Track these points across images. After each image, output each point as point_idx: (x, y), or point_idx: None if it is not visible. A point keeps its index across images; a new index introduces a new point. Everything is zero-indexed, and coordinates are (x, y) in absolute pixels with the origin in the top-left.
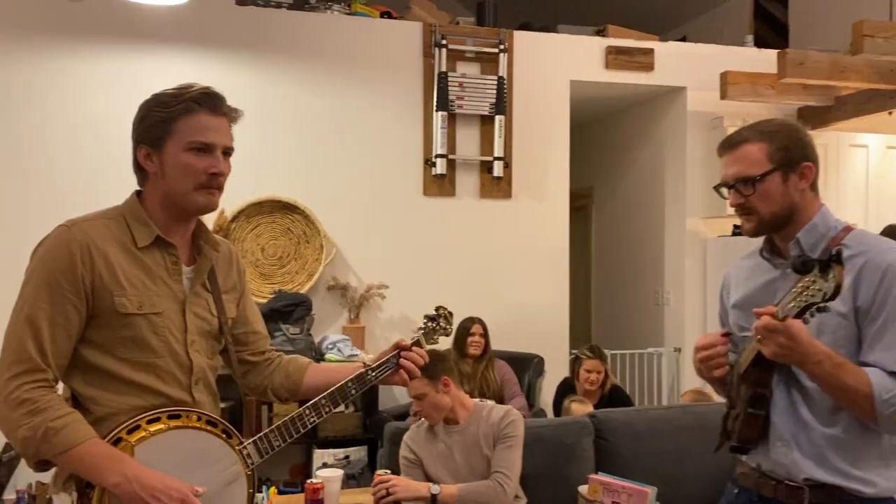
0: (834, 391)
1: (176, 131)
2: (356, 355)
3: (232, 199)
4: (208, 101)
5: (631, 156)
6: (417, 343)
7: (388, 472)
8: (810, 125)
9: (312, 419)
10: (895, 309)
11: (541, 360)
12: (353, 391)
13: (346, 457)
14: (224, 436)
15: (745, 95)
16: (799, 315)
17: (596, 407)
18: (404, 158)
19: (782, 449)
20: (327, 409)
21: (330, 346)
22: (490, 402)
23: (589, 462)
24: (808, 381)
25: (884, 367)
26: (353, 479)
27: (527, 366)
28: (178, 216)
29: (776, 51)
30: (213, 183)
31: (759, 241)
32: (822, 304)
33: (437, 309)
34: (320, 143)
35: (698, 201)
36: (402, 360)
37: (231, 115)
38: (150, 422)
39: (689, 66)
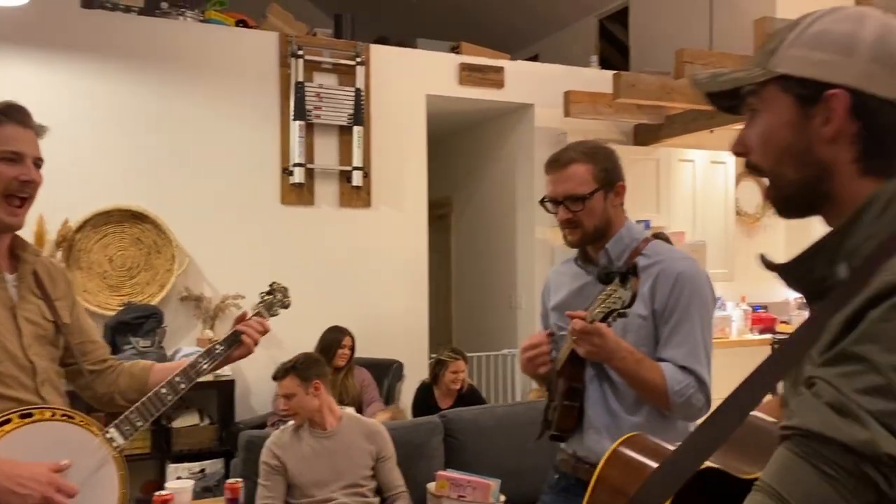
0: (635, 384)
1: None
2: None
3: (78, 208)
4: (15, 114)
5: (485, 167)
6: (258, 315)
7: (241, 480)
8: (644, 141)
9: (170, 396)
10: (684, 312)
11: (400, 365)
12: (206, 366)
13: (202, 470)
14: (83, 424)
15: (586, 113)
16: (603, 319)
17: (453, 405)
18: (261, 167)
19: (594, 436)
20: (182, 386)
21: (182, 360)
22: (356, 414)
23: (438, 460)
24: (617, 376)
25: (675, 361)
26: (209, 492)
27: (386, 371)
28: None
29: (612, 72)
30: (25, 190)
31: (574, 252)
32: (621, 311)
33: (270, 285)
34: (174, 151)
35: (546, 211)
36: (243, 329)
37: (37, 129)
38: (0, 424)
39: (536, 85)
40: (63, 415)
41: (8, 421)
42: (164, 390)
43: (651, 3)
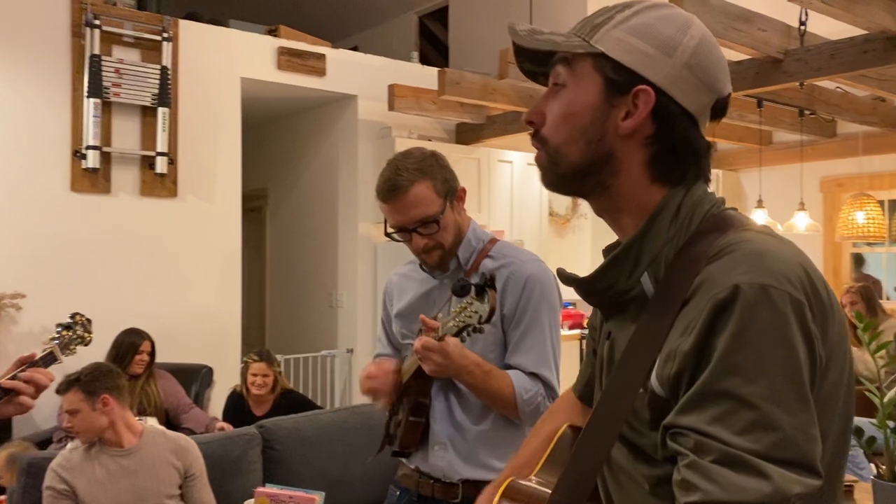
0: (483, 396)
1: None
2: None
3: None
4: None
5: (305, 159)
6: (50, 356)
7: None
8: (466, 140)
9: None
10: (534, 317)
11: (209, 370)
12: None
13: None
14: None
15: (410, 108)
16: (457, 334)
17: (268, 413)
18: (48, 149)
19: (440, 452)
20: None
21: None
22: (160, 427)
23: (256, 475)
24: (464, 387)
25: (524, 368)
26: None
27: (194, 377)
28: None
29: (437, 69)
30: None
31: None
32: (478, 326)
33: (72, 316)
34: None
35: (370, 206)
36: (19, 388)
37: None
38: None
39: (359, 75)
40: None
41: None
42: None
43: (471, 3)
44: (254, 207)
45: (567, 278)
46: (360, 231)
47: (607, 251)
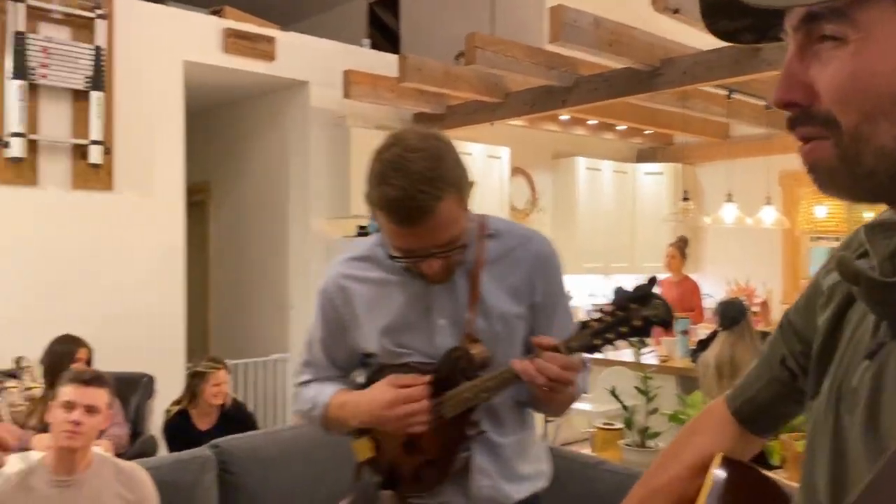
0: (554, 404)
1: None
2: None
3: None
4: None
5: (252, 150)
6: None
7: None
8: None
9: None
10: (560, 297)
11: (150, 379)
12: None
13: None
14: None
15: (367, 96)
16: (590, 349)
17: (214, 426)
18: None
19: (484, 480)
20: None
21: None
22: (108, 454)
23: (212, 503)
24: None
25: None
26: None
27: (133, 387)
28: None
29: (396, 55)
30: None
31: (365, 246)
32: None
33: (16, 361)
34: None
35: (323, 201)
36: None
37: None
38: None
39: (311, 61)
40: None
41: None
42: None
43: None
44: (196, 202)
45: (853, 273)
46: (312, 227)
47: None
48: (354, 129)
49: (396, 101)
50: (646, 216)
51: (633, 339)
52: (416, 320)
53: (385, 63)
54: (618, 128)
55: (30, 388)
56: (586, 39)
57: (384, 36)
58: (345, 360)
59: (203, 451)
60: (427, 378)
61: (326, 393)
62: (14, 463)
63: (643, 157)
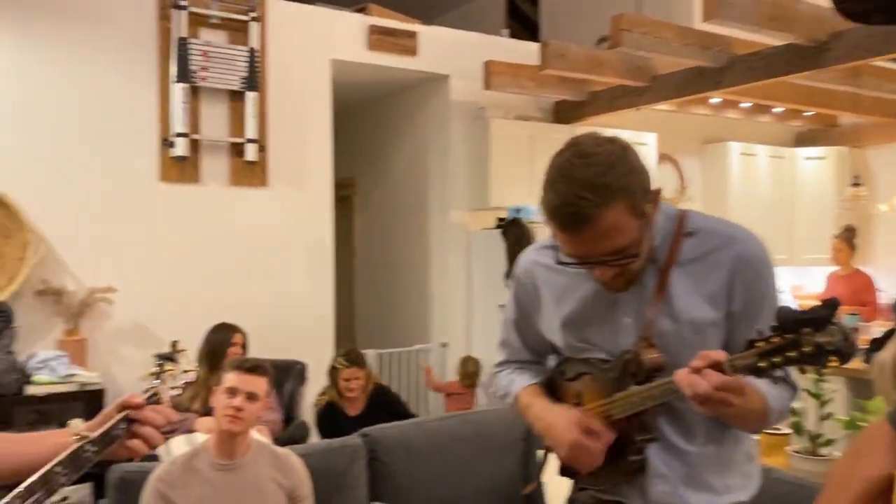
0: (740, 421)
1: None
2: (75, 375)
3: None
4: None
5: (395, 145)
6: (154, 397)
7: None
8: (565, 119)
9: None
10: (769, 308)
11: (303, 367)
12: (64, 477)
13: (64, 499)
14: None
15: (507, 86)
16: (755, 371)
17: (363, 413)
18: (136, 137)
19: (663, 486)
20: None
21: (39, 366)
22: (265, 440)
23: (361, 491)
24: (677, 403)
25: None
26: None
27: (287, 374)
28: None
29: (536, 43)
30: None
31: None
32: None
33: (173, 345)
34: (29, 117)
35: (462, 192)
36: (135, 423)
37: None
38: None
39: (452, 53)
40: None
41: None
42: None
43: None
44: (342, 197)
45: None
46: (452, 219)
47: None
48: (494, 120)
49: (537, 89)
50: (806, 204)
51: (808, 368)
52: (601, 315)
53: (525, 52)
54: (774, 110)
55: (186, 371)
56: (744, 15)
57: (523, 26)
58: (537, 343)
59: (353, 439)
60: (612, 436)
61: (517, 385)
62: (180, 445)
63: (802, 140)
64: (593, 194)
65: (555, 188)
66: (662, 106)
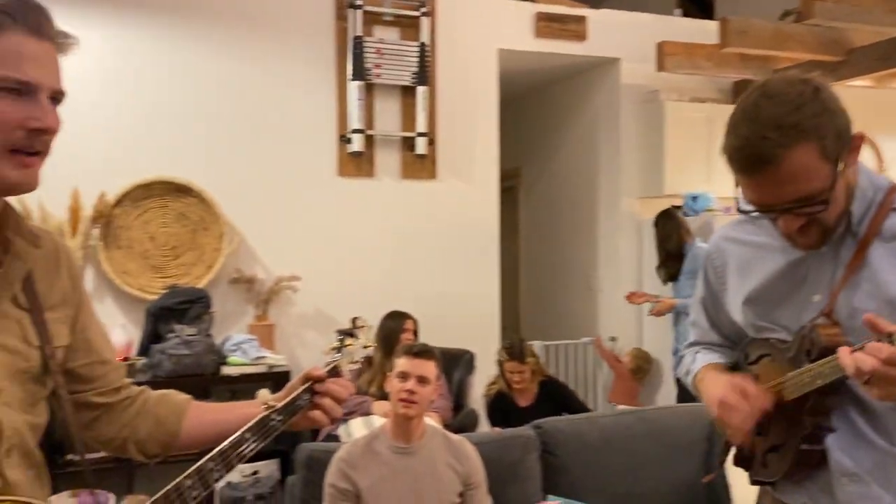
0: None
1: None
2: (264, 357)
3: (115, 179)
4: (25, 15)
5: (561, 133)
6: (335, 370)
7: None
8: None
9: (194, 493)
10: None
11: (472, 356)
12: (253, 443)
13: (255, 473)
14: None
15: (682, 67)
16: None
17: (533, 404)
18: (316, 134)
19: (853, 487)
20: (218, 476)
21: (233, 348)
22: (439, 426)
23: (534, 483)
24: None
25: None
26: (263, 500)
27: (456, 362)
28: None
29: (712, 21)
30: (35, 144)
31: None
32: None
33: (353, 321)
34: (220, 117)
35: (633, 180)
36: (317, 395)
37: (61, 40)
38: None
39: (623, 36)
40: None
41: None
42: (188, 484)
43: None
44: (507, 187)
45: None
46: (622, 207)
47: None
48: (669, 103)
49: (715, 69)
50: None
51: None
52: (788, 292)
53: (701, 31)
54: None
55: (366, 347)
56: None
57: (696, 4)
58: (726, 325)
59: (526, 430)
60: (766, 401)
61: (699, 363)
62: (359, 427)
63: None
64: (778, 134)
65: (737, 131)
66: (858, 81)
